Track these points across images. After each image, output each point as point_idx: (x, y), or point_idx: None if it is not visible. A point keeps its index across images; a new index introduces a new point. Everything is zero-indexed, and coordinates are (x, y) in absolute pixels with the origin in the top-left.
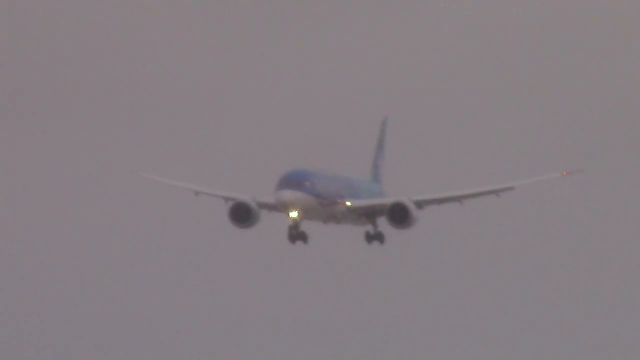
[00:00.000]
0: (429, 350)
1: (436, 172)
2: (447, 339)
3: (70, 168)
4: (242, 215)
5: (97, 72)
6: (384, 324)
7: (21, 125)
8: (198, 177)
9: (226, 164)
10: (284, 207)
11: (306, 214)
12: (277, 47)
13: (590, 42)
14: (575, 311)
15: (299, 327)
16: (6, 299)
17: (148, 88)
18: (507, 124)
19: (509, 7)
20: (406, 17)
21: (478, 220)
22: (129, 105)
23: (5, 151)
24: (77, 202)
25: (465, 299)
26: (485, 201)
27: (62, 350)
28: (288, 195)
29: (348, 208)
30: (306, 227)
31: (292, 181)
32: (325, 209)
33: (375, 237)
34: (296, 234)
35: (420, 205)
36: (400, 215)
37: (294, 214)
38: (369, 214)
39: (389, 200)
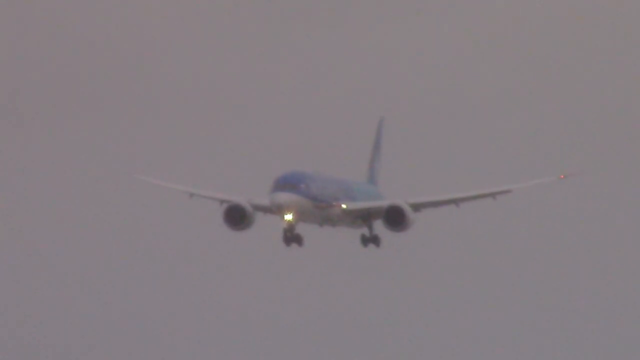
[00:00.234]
0: (425, 353)
1: (433, 174)
2: (443, 341)
3: (64, 169)
4: (237, 217)
5: (92, 74)
6: (380, 326)
7: (16, 127)
8: (192, 179)
9: (221, 165)
10: (279, 210)
11: (301, 216)
12: (274, 48)
13: (588, 45)
14: (572, 313)
15: (294, 330)
16: (6, 298)
17: (143, 89)
18: (504, 126)
19: (506, 9)
20: (403, 19)
21: (474, 223)
22: (123, 107)
23: (2, 152)
24: (71, 203)
25: (461, 301)
26: (482, 204)
27: (53, 352)
28: (283, 197)
29: (343, 210)
30: (301, 229)
31: (287, 183)
32: (321, 211)
33: (371, 240)
34: (291, 237)
35: (416, 207)
36: (396, 218)
37: (288, 217)
38: (365, 217)
39: (384, 202)
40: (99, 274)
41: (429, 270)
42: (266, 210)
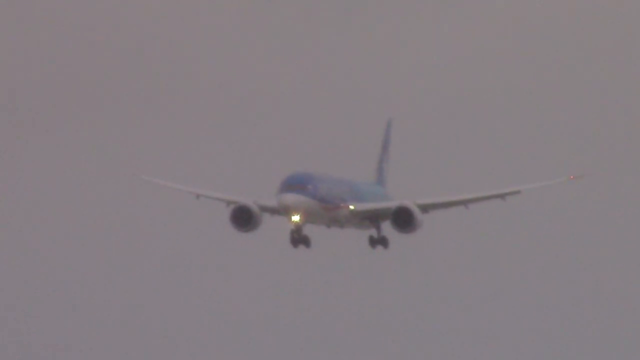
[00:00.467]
0: (434, 355)
1: (441, 175)
2: (452, 343)
3: (70, 170)
4: (244, 218)
5: (98, 73)
6: (387, 328)
7: (22, 127)
8: (199, 180)
9: (228, 166)
10: (286, 211)
11: (308, 217)
12: (280, 48)
13: (598, 46)
14: (582, 315)
15: (301, 331)
16: (6, 299)
17: (150, 89)
18: (513, 127)
19: (514, 10)
20: (411, 19)
21: (483, 224)
22: (129, 107)
23: (5, 153)
24: (77, 203)
25: (470, 303)
26: (491, 205)
27: (59, 352)
28: (290, 198)
29: (351, 211)
30: (309, 230)
31: (295, 184)
32: (328, 212)
33: (379, 241)
34: (298, 238)
35: (424, 208)
36: (404, 219)
37: (296, 218)
38: (373, 218)
39: (393, 203)
40: (105, 275)
41: (437, 271)
42: (273, 211)
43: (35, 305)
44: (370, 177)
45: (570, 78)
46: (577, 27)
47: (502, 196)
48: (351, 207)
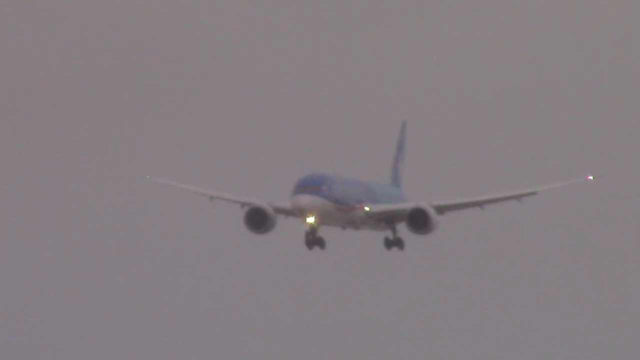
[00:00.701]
0: (449, 357)
1: (456, 176)
2: (467, 346)
3: (83, 171)
4: (258, 220)
5: (112, 73)
6: (403, 331)
7: (35, 128)
8: (213, 181)
9: (242, 168)
10: (301, 212)
11: (323, 219)
12: (295, 49)
13: (616, 45)
14: (600, 317)
15: (316, 334)
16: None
17: (164, 90)
18: (529, 127)
19: (533, 9)
20: (427, 20)
21: (499, 225)
22: (144, 108)
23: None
24: (90, 205)
25: (486, 306)
26: (507, 206)
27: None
28: (305, 200)
29: (366, 213)
30: (323, 232)
31: (309, 185)
32: (343, 213)
33: (394, 243)
34: (313, 240)
35: (440, 210)
36: (419, 221)
37: (310, 219)
38: (388, 219)
39: (408, 205)
40: (119, 277)
41: (453, 273)
42: (288, 213)
43: (42, 302)
44: (386, 179)
45: (587, 77)
46: (598, 25)
47: (518, 197)
48: (366, 208)
